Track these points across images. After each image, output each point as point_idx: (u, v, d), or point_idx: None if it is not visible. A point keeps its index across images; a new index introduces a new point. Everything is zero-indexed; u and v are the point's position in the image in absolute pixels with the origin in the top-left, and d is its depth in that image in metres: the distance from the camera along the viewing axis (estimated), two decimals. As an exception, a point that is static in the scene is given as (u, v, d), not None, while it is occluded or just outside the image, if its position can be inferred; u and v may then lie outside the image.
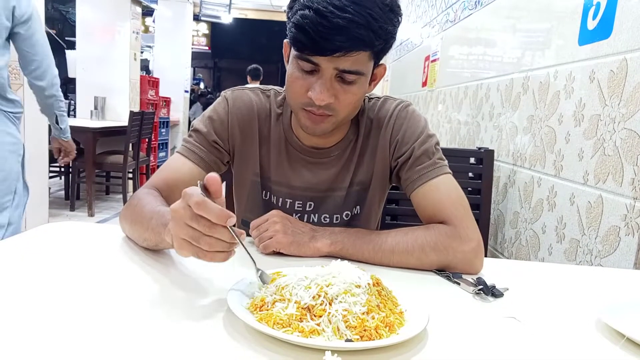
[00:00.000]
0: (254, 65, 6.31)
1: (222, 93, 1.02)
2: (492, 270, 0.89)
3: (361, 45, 0.79)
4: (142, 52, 6.23)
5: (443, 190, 0.91)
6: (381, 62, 0.90)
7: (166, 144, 6.37)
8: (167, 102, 6.31)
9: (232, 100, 0.99)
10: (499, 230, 1.82)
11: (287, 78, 0.88)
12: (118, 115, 4.99)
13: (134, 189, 4.68)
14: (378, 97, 1.02)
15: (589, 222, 1.25)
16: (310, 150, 0.98)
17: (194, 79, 10.43)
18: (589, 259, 1.24)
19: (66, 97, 7.34)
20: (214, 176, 0.60)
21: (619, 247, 1.13)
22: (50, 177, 4.16)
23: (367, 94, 1.01)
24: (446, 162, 0.95)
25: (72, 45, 5.72)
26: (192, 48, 7.78)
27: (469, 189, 1.75)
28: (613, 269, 1.03)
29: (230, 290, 0.62)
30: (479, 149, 1.80)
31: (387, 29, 0.81)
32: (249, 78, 6.27)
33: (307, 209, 1.01)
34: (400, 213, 1.63)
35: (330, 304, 0.57)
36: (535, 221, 1.54)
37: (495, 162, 1.80)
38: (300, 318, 0.56)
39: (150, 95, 5.63)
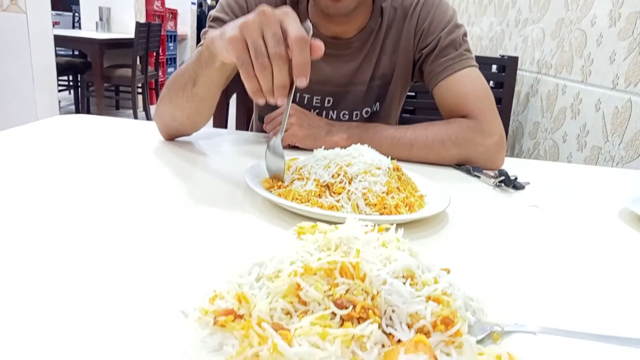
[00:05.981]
0: None
1: None
2: (513, 167, 0.86)
3: None
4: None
5: (468, 83, 0.86)
6: None
7: (174, 59, 6.19)
8: (173, 14, 6.04)
9: None
10: (517, 141, 1.78)
11: None
12: (124, 27, 4.82)
13: (144, 104, 4.63)
14: None
15: (614, 127, 1.20)
16: (329, 41, 0.92)
17: (201, -8, 9.91)
18: (610, 166, 1.21)
19: (70, 9, 7.08)
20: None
21: (643, 153, 1.09)
22: (59, 91, 4.11)
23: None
24: (473, 55, 0.89)
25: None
26: (198, -44, 7.31)
27: (489, 98, 1.68)
28: (638, 171, 0.99)
29: (248, 170, 0.61)
30: (502, 56, 1.71)
31: None
32: None
33: (326, 104, 0.97)
34: (418, 106, 1.50)
35: (349, 183, 0.56)
36: (556, 130, 1.49)
37: (518, 72, 1.71)
38: (319, 194, 0.55)
39: (156, 6, 5.39)
